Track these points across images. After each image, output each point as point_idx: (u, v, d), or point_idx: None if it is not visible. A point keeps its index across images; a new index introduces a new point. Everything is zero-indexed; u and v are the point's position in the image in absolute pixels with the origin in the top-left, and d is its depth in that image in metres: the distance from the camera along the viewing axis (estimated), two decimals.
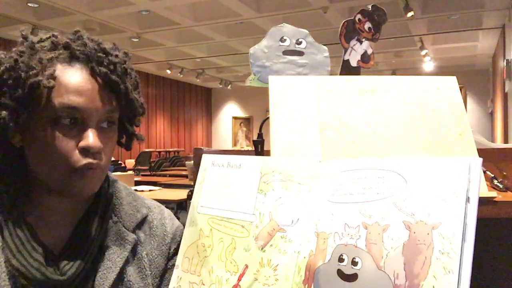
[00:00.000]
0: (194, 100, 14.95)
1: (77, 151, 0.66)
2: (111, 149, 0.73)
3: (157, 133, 13.15)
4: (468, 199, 0.48)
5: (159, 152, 12.24)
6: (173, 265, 0.75)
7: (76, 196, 0.70)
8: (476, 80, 11.46)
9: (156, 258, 0.79)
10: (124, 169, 8.40)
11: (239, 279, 0.64)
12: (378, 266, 0.52)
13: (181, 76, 12.05)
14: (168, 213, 0.86)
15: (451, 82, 0.82)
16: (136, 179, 6.14)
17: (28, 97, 0.65)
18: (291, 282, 0.60)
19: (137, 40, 8.65)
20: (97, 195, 0.76)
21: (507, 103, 7.56)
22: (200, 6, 7.14)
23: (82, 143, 0.66)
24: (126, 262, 0.74)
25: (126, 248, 0.74)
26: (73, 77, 0.67)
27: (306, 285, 0.58)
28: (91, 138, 0.66)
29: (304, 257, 0.60)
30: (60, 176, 0.67)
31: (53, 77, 0.65)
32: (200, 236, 0.71)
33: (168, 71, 11.40)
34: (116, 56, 0.72)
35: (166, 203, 4.26)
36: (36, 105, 0.66)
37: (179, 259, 0.72)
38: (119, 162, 9.51)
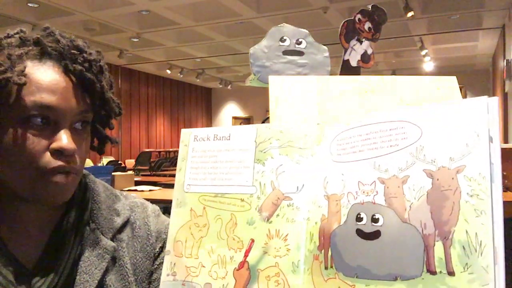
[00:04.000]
0: (194, 100, 14.95)
1: (48, 153, 0.61)
2: (85, 152, 0.68)
3: (157, 133, 13.15)
4: (491, 139, 0.46)
5: (159, 152, 12.23)
6: (161, 263, 0.70)
7: (47, 203, 0.65)
8: (476, 80, 11.45)
9: (140, 261, 0.74)
10: (124, 169, 8.39)
11: (245, 255, 0.60)
12: (402, 219, 0.48)
13: (181, 76, 12.04)
14: (152, 209, 0.80)
15: (451, 82, 0.82)
16: (136, 179, 6.12)
17: None
18: (304, 250, 0.57)
19: (137, 40, 8.65)
20: (71, 201, 0.70)
21: (507, 103, 7.55)
22: (200, 6, 7.13)
23: (54, 145, 0.61)
24: (106, 272, 0.68)
25: (105, 258, 0.68)
26: (45, 75, 0.62)
27: (322, 250, 0.54)
28: (64, 139, 0.61)
29: (316, 223, 0.56)
30: (30, 180, 0.61)
31: (23, 74, 0.60)
32: (192, 217, 0.66)
33: (168, 71, 11.40)
34: (91, 54, 0.67)
35: (166, 203, 4.25)
36: (5, 104, 0.60)
37: (169, 243, 0.66)
38: (119, 162, 9.50)
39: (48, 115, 0.61)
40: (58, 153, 0.62)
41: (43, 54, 0.64)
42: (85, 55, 0.66)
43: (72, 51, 0.65)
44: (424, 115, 0.51)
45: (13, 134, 0.61)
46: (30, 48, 0.64)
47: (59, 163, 0.62)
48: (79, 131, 0.66)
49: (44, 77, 0.62)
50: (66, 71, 0.64)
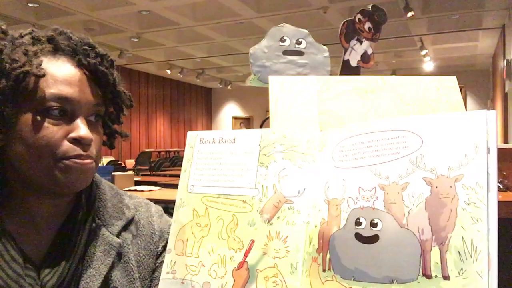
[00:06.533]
0: (194, 100, 14.95)
1: (66, 141, 0.64)
2: (100, 144, 0.70)
3: (157, 133, 13.15)
4: (488, 150, 0.47)
5: (159, 152, 12.24)
6: (162, 261, 0.71)
7: (66, 191, 0.67)
8: (476, 80, 11.46)
9: (144, 258, 0.75)
10: (124, 169, 8.39)
11: (245, 255, 0.61)
12: (400, 225, 0.50)
13: (181, 76, 12.05)
14: (155, 210, 0.82)
15: (451, 82, 0.82)
16: (136, 179, 6.12)
17: (14, 89, 0.62)
18: (303, 253, 0.58)
19: (137, 40, 8.65)
20: (79, 198, 0.72)
21: (507, 103, 7.56)
22: (200, 6, 7.14)
23: (73, 134, 0.64)
24: (112, 267, 0.70)
25: (111, 253, 0.70)
26: (61, 69, 0.65)
27: (321, 253, 0.55)
28: (82, 128, 0.65)
29: (315, 226, 0.58)
30: (49, 168, 0.63)
31: (41, 67, 0.63)
32: (194, 216, 0.67)
33: (168, 71, 11.40)
34: (100, 50, 0.71)
35: (166, 203, 4.25)
36: (23, 97, 0.63)
37: (171, 242, 0.67)
38: (119, 162, 9.50)
39: (66, 106, 0.64)
40: (76, 141, 0.64)
41: (57, 50, 0.67)
42: (96, 50, 0.70)
43: (84, 47, 0.69)
44: (425, 125, 0.53)
45: (32, 125, 0.63)
46: (44, 45, 0.67)
47: (78, 149, 0.65)
48: (94, 124, 0.69)
49: (60, 71, 0.65)
50: (80, 65, 0.67)
